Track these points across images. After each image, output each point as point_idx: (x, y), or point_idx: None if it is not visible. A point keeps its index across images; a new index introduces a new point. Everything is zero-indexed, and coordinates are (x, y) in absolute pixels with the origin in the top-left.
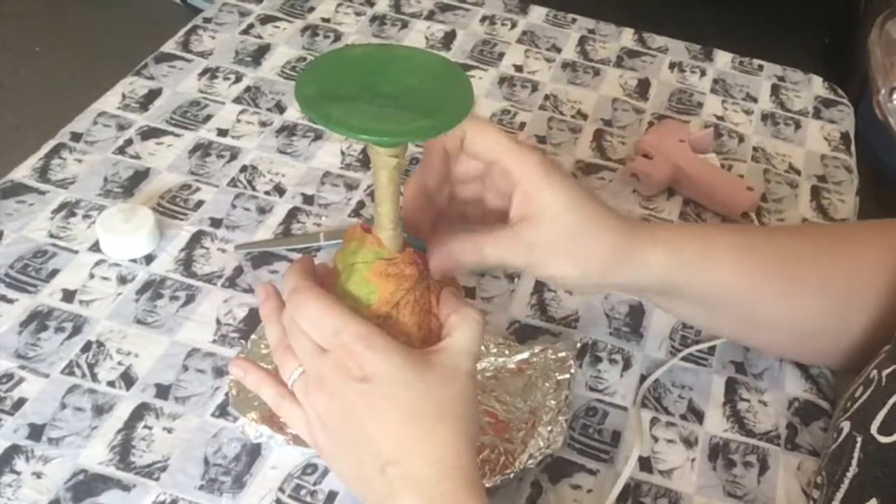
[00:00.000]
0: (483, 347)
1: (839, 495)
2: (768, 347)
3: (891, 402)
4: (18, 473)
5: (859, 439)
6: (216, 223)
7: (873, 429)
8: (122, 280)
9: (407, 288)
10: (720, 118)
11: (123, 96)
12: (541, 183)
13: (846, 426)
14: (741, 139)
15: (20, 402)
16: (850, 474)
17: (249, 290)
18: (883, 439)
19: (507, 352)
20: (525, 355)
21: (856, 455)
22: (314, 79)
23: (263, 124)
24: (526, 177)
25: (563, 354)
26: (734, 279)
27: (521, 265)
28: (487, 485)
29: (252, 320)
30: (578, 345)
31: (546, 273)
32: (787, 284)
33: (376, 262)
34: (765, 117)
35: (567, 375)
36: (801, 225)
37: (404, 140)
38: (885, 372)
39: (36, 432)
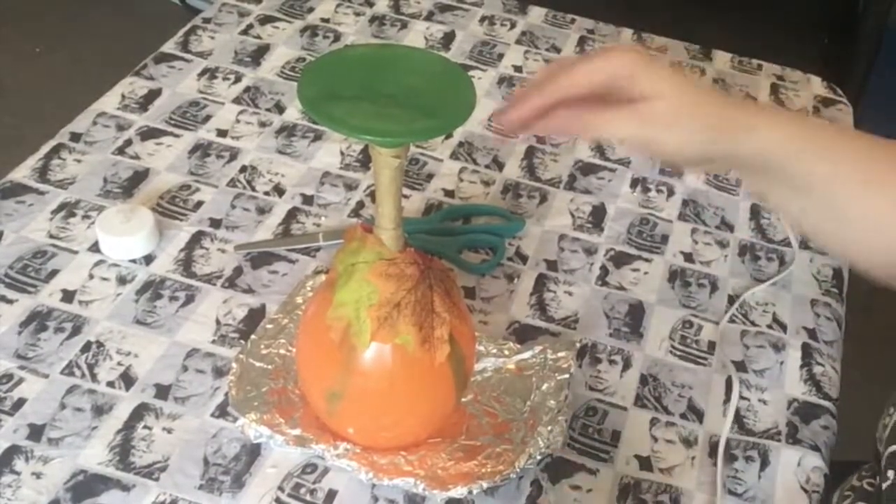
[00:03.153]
0: (482, 348)
1: None
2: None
3: None
4: (18, 474)
5: None
6: (216, 223)
7: None
8: (122, 280)
9: (408, 288)
10: None
11: (123, 96)
12: (649, 70)
13: None
14: None
15: (20, 403)
16: None
17: (249, 291)
18: None
19: (506, 352)
20: (525, 356)
21: None
22: (316, 79)
23: (263, 124)
24: (635, 68)
25: (562, 354)
26: (839, 172)
27: (642, 136)
28: (486, 485)
29: (252, 320)
30: (578, 345)
31: (661, 140)
32: None
33: (377, 263)
34: None
35: (566, 376)
36: None
37: (406, 140)
38: None
39: (36, 432)
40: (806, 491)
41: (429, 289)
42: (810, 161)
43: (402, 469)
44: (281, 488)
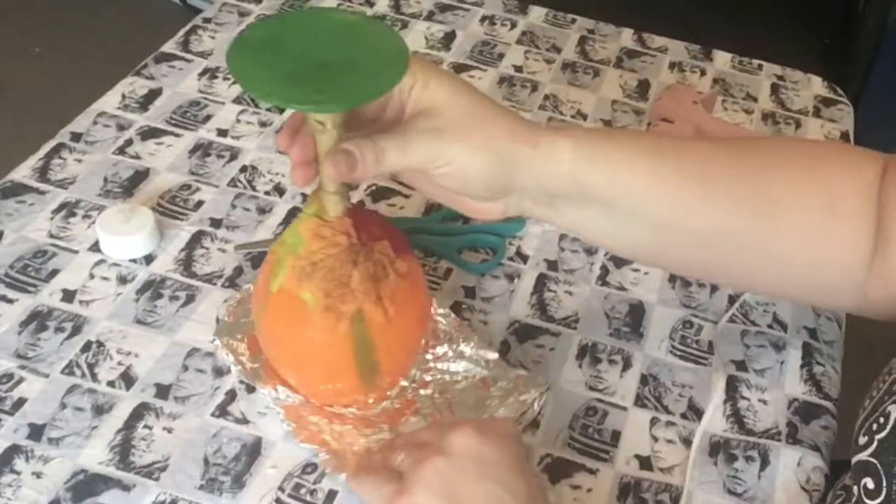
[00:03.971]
0: (469, 350)
1: None
2: (713, 270)
3: None
4: (18, 473)
5: None
6: (216, 223)
7: None
8: (122, 280)
9: (330, 254)
10: (721, 118)
11: (123, 96)
12: (425, 77)
13: (894, 411)
14: None
15: (20, 402)
16: None
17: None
18: None
19: (484, 363)
20: (499, 375)
21: None
22: (247, 48)
23: (263, 124)
24: (409, 78)
25: (529, 395)
26: (652, 178)
27: (422, 160)
28: None
29: None
30: (545, 391)
31: (448, 168)
32: (737, 198)
33: (312, 219)
34: (765, 117)
35: (526, 413)
36: (753, 138)
37: (341, 108)
38: None
39: (36, 432)
40: (806, 491)
41: (352, 263)
42: (603, 170)
43: (319, 437)
44: (281, 488)
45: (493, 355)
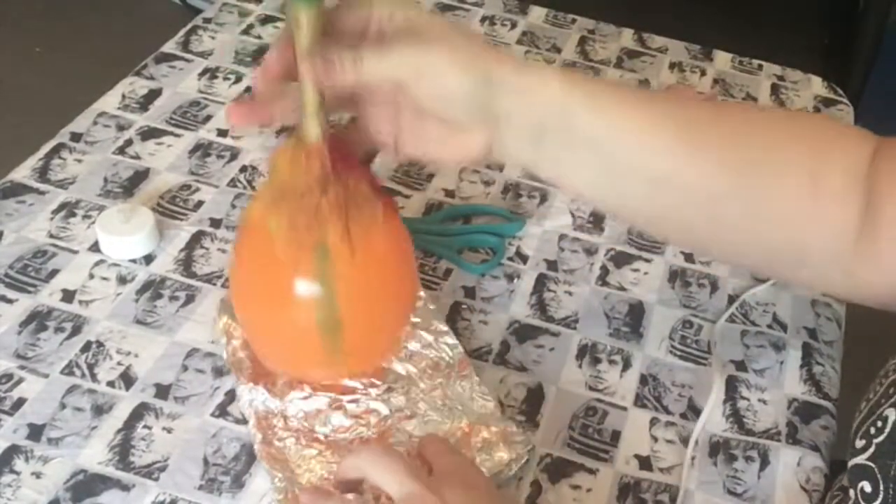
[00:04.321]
0: (463, 385)
1: None
2: (697, 236)
3: None
4: (18, 473)
5: None
6: (216, 223)
7: None
8: (122, 280)
9: (300, 181)
10: None
11: (123, 96)
12: (406, 6)
13: (892, 414)
14: None
15: (20, 402)
16: None
17: None
18: None
19: (477, 407)
20: (483, 423)
21: None
22: None
23: (263, 124)
24: (388, 5)
25: (501, 456)
26: (644, 125)
27: (402, 70)
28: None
29: None
30: (530, 449)
31: (428, 83)
32: (723, 154)
33: (286, 147)
34: None
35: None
36: (747, 105)
37: None
38: None
39: (36, 432)
40: (806, 491)
41: (322, 193)
42: (594, 106)
43: (282, 455)
44: None
45: (490, 402)
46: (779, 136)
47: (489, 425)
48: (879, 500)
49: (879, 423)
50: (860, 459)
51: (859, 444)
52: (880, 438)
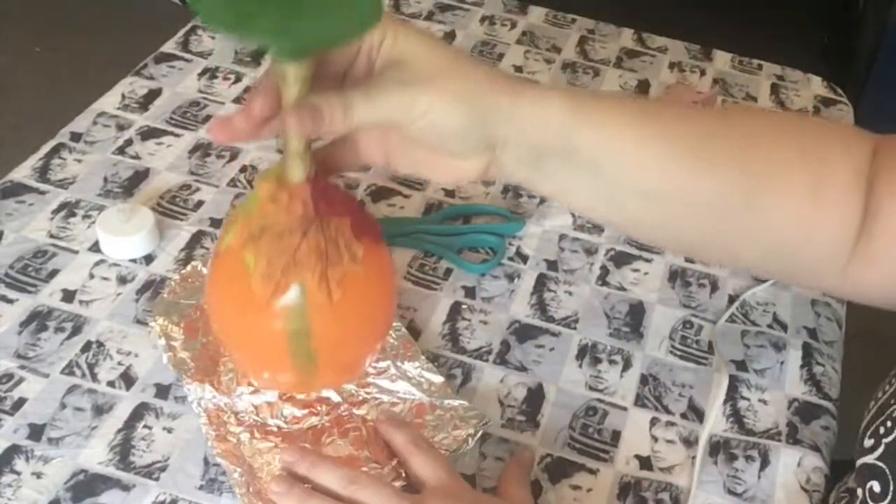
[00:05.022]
0: (410, 365)
1: None
2: (696, 244)
3: None
4: (18, 473)
5: None
6: (216, 223)
7: None
8: (122, 280)
9: (280, 220)
10: None
11: (123, 96)
12: (395, 31)
13: None
14: None
15: (20, 402)
16: None
17: None
18: None
19: (426, 386)
20: (435, 403)
21: None
22: None
23: None
24: (378, 33)
25: (458, 433)
26: (639, 138)
27: (393, 112)
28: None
29: None
30: (485, 423)
31: (423, 122)
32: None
33: (270, 182)
34: None
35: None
36: (745, 109)
37: (305, 45)
38: None
39: (36, 432)
40: (806, 491)
41: (301, 234)
42: (592, 124)
43: (238, 450)
44: None
45: (439, 379)
46: (781, 148)
47: (441, 403)
48: (888, 499)
49: (889, 423)
50: (869, 459)
51: (868, 443)
52: (890, 438)
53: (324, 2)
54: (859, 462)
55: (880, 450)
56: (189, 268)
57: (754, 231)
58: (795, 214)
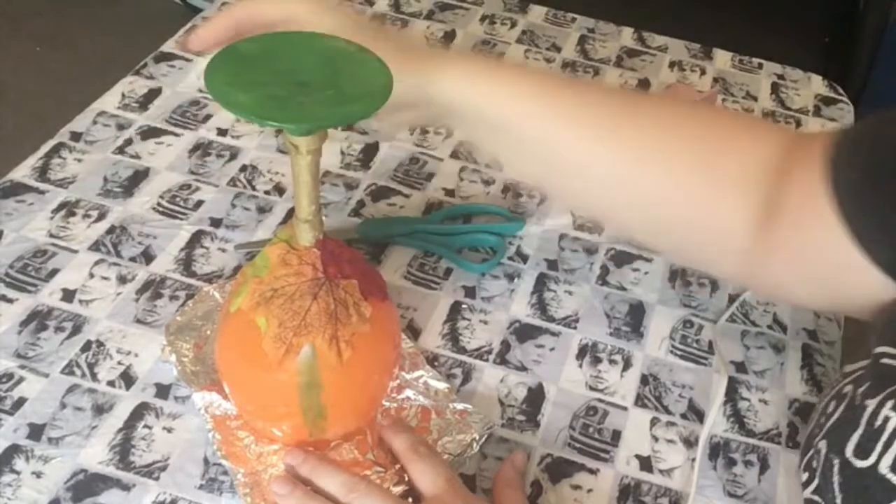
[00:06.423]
0: (415, 374)
1: None
2: (602, 210)
3: (864, 421)
4: (18, 473)
5: (836, 462)
6: (216, 223)
7: (848, 451)
8: (122, 280)
9: (291, 283)
10: None
11: (123, 96)
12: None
13: (823, 447)
14: None
15: (20, 402)
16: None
17: None
18: (859, 463)
19: (432, 394)
20: (441, 407)
21: (835, 481)
22: (225, 66)
23: None
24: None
25: (462, 437)
26: (539, 105)
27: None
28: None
29: None
30: (490, 429)
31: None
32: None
33: (282, 244)
34: (765, 115)
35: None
36: (665, 98)
37: (314, 127)
38: (860, 390)
39: (36, 432)
40: None
41: (312, 297)
42: (500, 95)
43: (243, 454)
44: None
45: (444, 386)
46: (677, 130)
47: (446, 408)
48: None
49: (817, 456)
50: (807, 494)
51: (804, 476)
52: (819, 471)
53: (342, 96)
54: (804, 495)
55: (815, 482)
56: (200, 293)
57: (640, 203)
58: (681, 192)
